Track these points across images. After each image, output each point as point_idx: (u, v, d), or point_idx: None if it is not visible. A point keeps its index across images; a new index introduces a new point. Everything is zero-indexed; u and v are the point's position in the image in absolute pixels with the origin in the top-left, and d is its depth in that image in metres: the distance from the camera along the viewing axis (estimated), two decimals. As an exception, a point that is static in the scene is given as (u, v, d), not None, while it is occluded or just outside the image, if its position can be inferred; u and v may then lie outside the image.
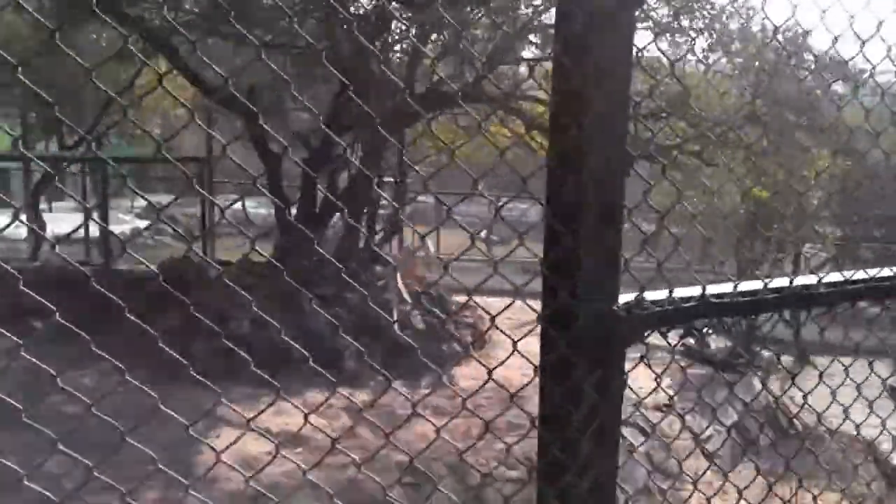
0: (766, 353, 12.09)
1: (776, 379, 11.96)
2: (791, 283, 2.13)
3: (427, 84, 9.94)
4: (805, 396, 2.77)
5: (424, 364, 8.83)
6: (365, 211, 10.62)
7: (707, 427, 8.30)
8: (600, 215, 1.59)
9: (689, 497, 7.32)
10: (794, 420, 9.18)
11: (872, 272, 2.36)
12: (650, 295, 1.86)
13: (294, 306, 8.53)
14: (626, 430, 6.51)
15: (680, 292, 2.00)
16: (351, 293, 8.95)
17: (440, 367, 8.85)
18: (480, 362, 2.16)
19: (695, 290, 2.02)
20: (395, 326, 8.68)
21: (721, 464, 8.11)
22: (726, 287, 2.06)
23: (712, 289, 2.07)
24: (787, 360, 12.91)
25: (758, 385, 9.73)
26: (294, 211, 10.30)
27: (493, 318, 1.81)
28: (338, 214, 10.31)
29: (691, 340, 11.36)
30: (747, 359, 10.81)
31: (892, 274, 2.40)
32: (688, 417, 8.75)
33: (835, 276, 2.31)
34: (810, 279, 2.26)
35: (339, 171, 10.38)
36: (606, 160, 1.58)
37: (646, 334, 1.90)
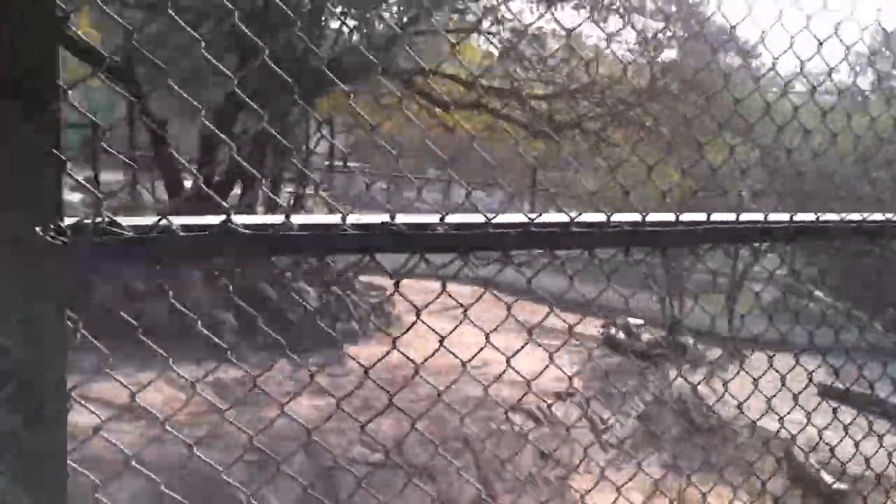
0: (694, 344, 11.73)
1: (700, 372, 11.62)
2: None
3: (331, 55, 9.42)
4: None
5: (317, 343, 8.32)
6: (265, 181, 10.07)
7: (608, 417, 7.86)
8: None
9: (576, 488, 6.84)
10: (708, 413, 8.78)
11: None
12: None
13: (174, 279, 7.97)
14: (517, 416, 5.93)
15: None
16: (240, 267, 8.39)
17: (332, 346, 8.33)
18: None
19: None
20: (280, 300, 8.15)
21: (621, 455, 7.67)
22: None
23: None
24: (718, 352, 12.54)
25: (673, 376, 9.31)
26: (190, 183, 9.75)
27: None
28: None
29: (614, 330, 10.94)
30: (664, 351, 10.40)
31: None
32: (595, 407, 8.32)
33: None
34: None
35: (244, 143, 9.81)
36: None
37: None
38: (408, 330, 2.05)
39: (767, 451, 7.78)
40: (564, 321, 2.38)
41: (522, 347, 2.18)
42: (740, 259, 13.72)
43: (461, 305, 2.02)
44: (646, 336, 10.98)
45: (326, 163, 21.14)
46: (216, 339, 1.93)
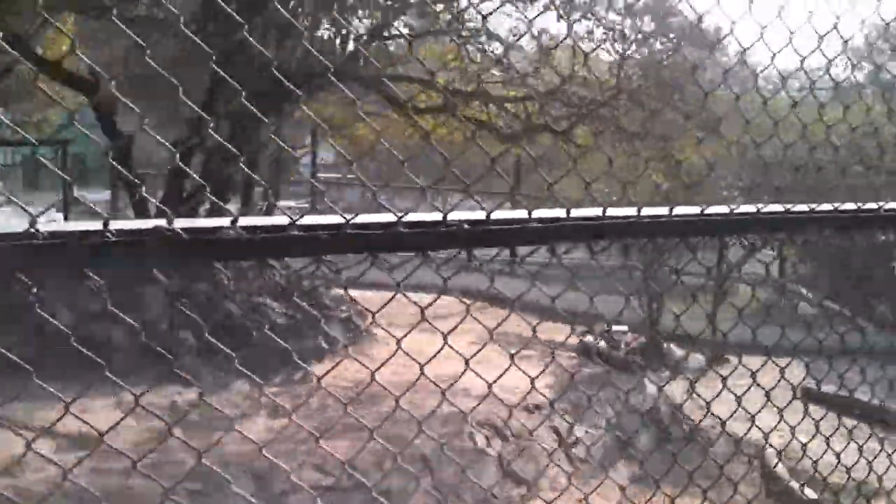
0: (677, 352, 11.54)
1: (683, 379, 11.43)
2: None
3: (296, 62, 9.27)
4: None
5: (283, 362, 8.18)
6: (231, 194, 9.94)
7: (572, 430, 7.68)
8: None
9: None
10: (683, 422, 8.60)
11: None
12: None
13: (133, 297, 7.85)
14: (480, 433, 5.70)
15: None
16: (203, 284, 8.26)
17: (297, 365, 8.18)
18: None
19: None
20: (243, 320, 8.01)
21: (590, 469, 7.51)
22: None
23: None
24: (701, 358, 12.36)
25: (651, 387, 9.13)
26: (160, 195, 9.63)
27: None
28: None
29: (592, 339, 10.77)
30: (638, 359, 10.22)
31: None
32: (564, 420, 8.16)
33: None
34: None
35: (213, 154, 9.68)
36: None
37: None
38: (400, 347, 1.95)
39: (742, 459, 7.62)
40: (532, 326, 2.45)
41: (475, 354, 2.08)
42: (725, 261, 13.53)
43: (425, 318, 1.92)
44: (625, 344, 10.80)
45: (318, 174, 21.02)
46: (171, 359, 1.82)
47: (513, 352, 2.17)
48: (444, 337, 1.96)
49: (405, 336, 1.92)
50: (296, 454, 6.17)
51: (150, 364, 7.21)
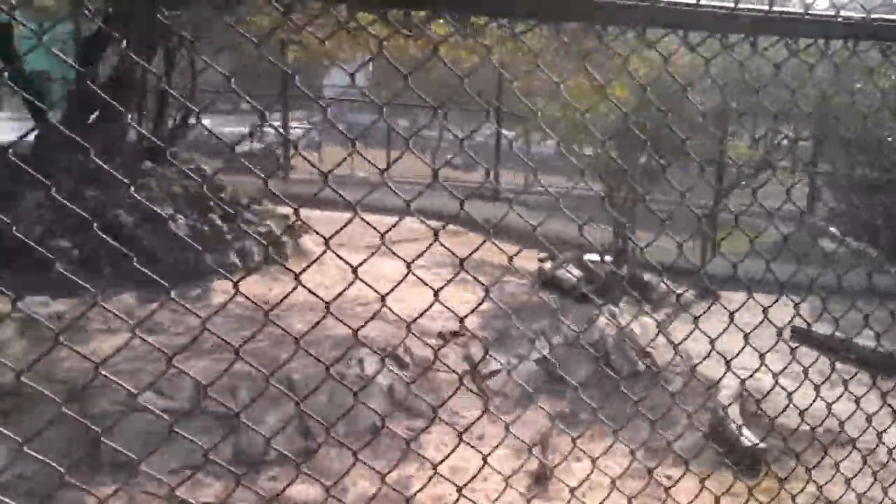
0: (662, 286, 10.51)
1: (660, 313, 10.42)
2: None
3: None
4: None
5: (182, 278, 7.41)
6: (139, 101, 9.10)
7: (488, 360, 6.79)
8: None
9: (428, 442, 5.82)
10: (633, 358, 7.65)
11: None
12: None
13: (9, 203, 7.11)
14: (372, 359, 4.54)
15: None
16: (96, 190, 7.47)
17: (199, 281, 7.40)
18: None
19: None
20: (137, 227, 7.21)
21: (506, 404, 6.63)
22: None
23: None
24: (689, 296, 11.36)
25: (601, 320, 8.15)
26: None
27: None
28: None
29: (551, 265, 9.80)
30: (594, 286, 9.25)
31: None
32: (483, 351, 7.27)
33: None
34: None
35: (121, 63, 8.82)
36: None
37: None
38: (312, 263, 1.84)
39: (694, 400, 6.69)
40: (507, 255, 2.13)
41: (404, 278, 1.96)
42: (727, 182, 12.34)
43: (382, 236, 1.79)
44: (591, 272, 9.80)
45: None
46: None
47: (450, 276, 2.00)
48: (355, 270, 1.75)
49: (363, 263, 1.80)
50: (140, 373, 5.40)
51: (17, 272, 6.49)
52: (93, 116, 8.43)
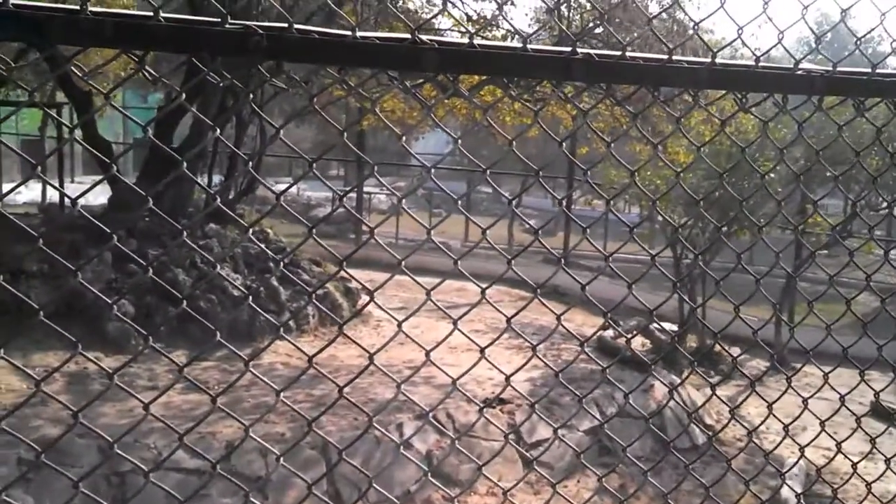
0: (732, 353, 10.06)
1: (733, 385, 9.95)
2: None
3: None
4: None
5: (233, 337, 7.49)
6: (206, 164, 9.38)
7: (533, 430, 6.56)
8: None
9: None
10: (693, 431, 7.27)
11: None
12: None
13: (72, 262, 7.37)
14: (412, 425, 4.55)
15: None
16: (157, 250, 7.69)
17: (242, 341, 7.45)
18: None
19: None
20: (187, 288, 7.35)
21: (551, 475, 6.36)
22: None
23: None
24: (755, 364, 10.87)
25: (661, 388, 7.82)
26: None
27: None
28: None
29: (614, 334, 9.50)
30: (653, 357, 8.90)
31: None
32: (531, 419, 7.02)
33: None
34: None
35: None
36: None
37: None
38: (352, 317, 2.40)
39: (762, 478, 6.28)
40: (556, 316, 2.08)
41: (450, 334, 1.89)
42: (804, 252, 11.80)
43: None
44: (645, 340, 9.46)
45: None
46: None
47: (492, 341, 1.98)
48: (455, 323, 1.76)
49: (408, 318, 1.82)
50: (170, 432, 5.41)
51: (77, 326, 6.69)
52: (164, 182, 8.72)
